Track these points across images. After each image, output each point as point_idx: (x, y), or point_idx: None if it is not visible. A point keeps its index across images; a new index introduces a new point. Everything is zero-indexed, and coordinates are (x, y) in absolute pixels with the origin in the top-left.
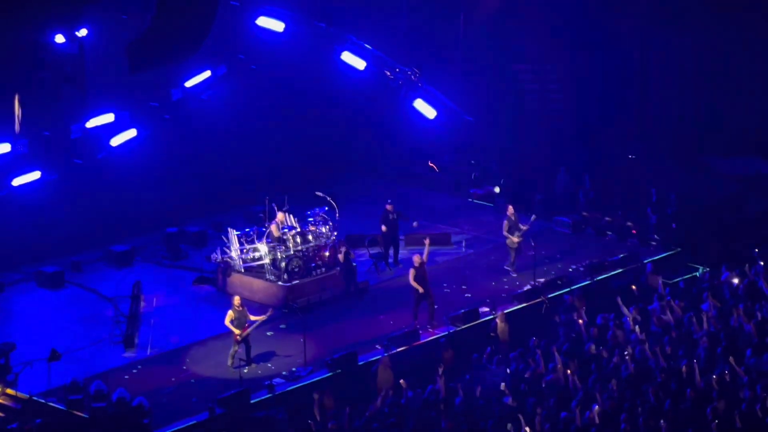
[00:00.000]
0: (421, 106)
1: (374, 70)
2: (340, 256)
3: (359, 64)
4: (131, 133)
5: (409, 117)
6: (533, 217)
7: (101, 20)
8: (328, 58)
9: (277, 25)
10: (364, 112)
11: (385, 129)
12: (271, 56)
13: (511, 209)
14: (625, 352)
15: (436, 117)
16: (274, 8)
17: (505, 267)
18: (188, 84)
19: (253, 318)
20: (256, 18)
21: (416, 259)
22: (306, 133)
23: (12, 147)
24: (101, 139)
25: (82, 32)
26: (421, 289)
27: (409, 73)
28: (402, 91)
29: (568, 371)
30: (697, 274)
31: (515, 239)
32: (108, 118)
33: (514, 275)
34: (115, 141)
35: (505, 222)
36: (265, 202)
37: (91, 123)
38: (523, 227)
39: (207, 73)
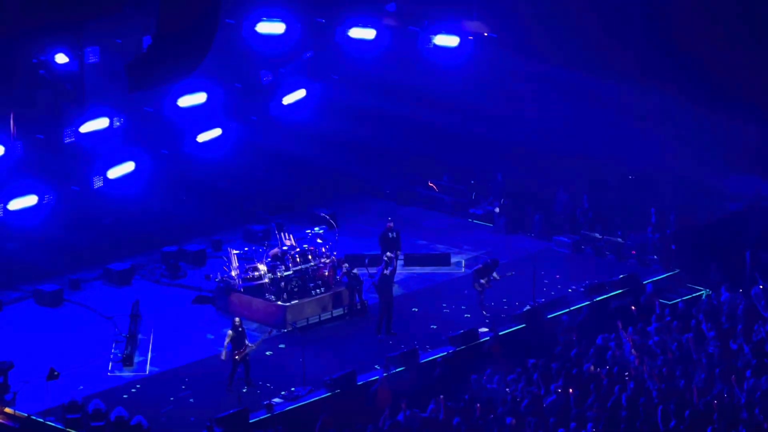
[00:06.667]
0: (441, 39)
1: (384, 37)
2: (343, 273)
3: (368, 34)
4: (129, 166)
5: (428, 70)
6: (510, 273)
7: (102, 39)
8: (329, 57)
9: (277, 27)
10: (365, 119)
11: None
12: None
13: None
14: (624, 373)
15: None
16: (272, 9)
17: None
18: (181, 103)
19: (249, 345)
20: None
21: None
22: (305, 151)
23: (6, 150)
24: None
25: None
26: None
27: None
28: (420, 34)
29: (569, 390)
30: (698, 295)
31: (482, 281)
32: (103, 122)
33: (486, 313)
34: (113, 173)
35: (481, 266)
36: (264, 221)
37: (85, 128)
38: (496, 276)
39: (203, 96)
